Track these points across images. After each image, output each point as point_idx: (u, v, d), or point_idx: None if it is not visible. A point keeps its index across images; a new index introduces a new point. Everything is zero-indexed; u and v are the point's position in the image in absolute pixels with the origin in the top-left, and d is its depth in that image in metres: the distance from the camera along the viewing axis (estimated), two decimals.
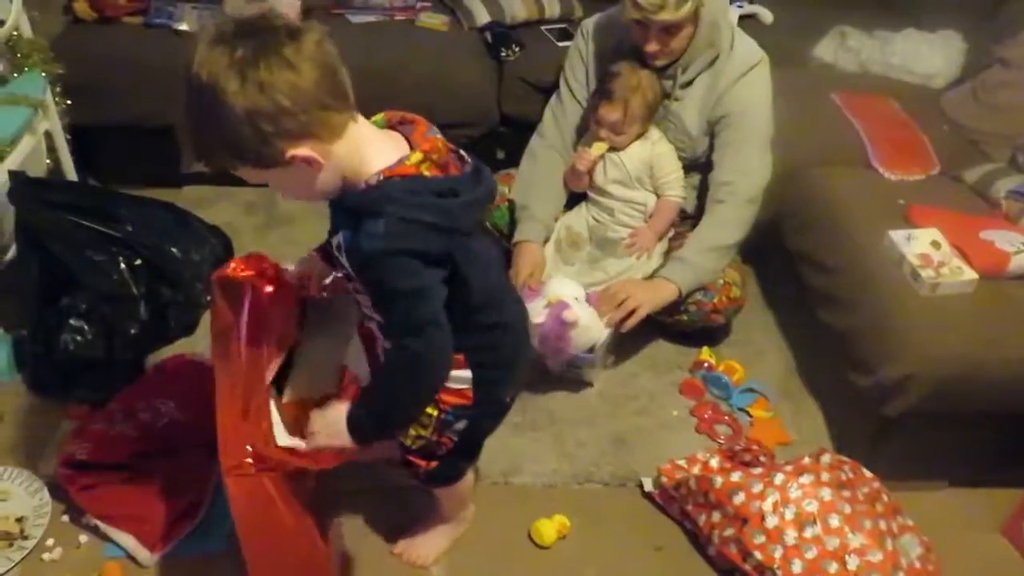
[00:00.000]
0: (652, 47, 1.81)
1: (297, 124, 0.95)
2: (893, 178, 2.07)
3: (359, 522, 1.62)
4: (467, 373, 1.24)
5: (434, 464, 1.36)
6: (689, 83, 1.90)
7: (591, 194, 2.03)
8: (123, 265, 1.71)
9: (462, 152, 1.13)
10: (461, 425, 1.30)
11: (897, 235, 1.79)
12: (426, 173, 1.04)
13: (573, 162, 1.98)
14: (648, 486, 1.71)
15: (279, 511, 1.23)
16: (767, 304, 2.24)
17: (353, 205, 1.03)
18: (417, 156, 1.04)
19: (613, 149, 1.93)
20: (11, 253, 1.93)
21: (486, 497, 1.66)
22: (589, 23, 2.02)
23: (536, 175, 2.04)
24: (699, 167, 2.01)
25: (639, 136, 1.93)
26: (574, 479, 1.73)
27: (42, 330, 1.72)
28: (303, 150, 0.98)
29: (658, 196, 1.97)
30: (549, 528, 1.60)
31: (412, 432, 1.32)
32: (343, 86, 0.99)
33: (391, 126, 1.12)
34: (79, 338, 1.68)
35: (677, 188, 1.97)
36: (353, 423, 1.14)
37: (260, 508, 1.23)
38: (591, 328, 1.81)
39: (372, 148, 1.04)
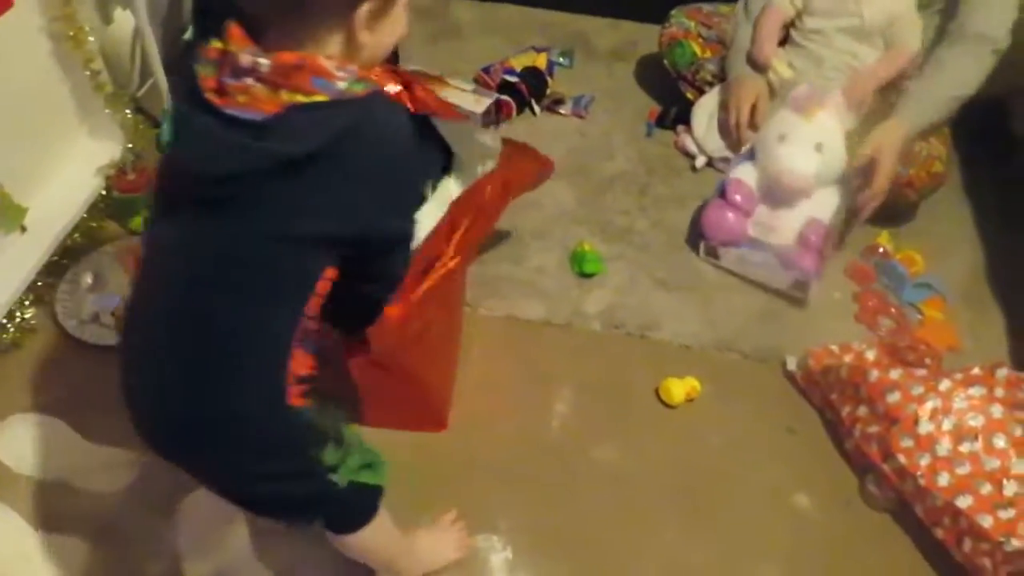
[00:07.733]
0: None
1: None
2: None
3: None
4: None
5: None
6: None
7: (797, 37, 1.80)
8: None
9: None
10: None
11: None
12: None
13: None
14: (791, 365, 1.60)
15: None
16: (966, 194, 1.97)
17: None
18: None
19: None
20: (189, 34, 1.96)
21: (619, 346, 1.62)
22: None
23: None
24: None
25: None
26: (713, 345, 1.65)
27: None
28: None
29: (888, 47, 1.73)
30: (679, 388, 1.54)
31: None
32: None
33: None
34: None
35: (916, 40, 1.70)
36: None
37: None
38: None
39: None
